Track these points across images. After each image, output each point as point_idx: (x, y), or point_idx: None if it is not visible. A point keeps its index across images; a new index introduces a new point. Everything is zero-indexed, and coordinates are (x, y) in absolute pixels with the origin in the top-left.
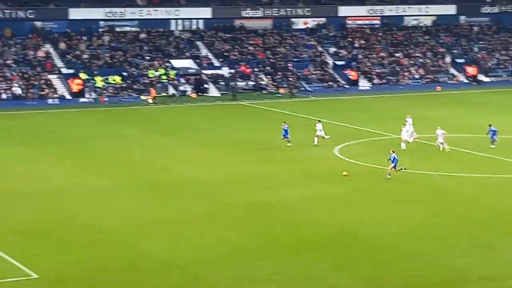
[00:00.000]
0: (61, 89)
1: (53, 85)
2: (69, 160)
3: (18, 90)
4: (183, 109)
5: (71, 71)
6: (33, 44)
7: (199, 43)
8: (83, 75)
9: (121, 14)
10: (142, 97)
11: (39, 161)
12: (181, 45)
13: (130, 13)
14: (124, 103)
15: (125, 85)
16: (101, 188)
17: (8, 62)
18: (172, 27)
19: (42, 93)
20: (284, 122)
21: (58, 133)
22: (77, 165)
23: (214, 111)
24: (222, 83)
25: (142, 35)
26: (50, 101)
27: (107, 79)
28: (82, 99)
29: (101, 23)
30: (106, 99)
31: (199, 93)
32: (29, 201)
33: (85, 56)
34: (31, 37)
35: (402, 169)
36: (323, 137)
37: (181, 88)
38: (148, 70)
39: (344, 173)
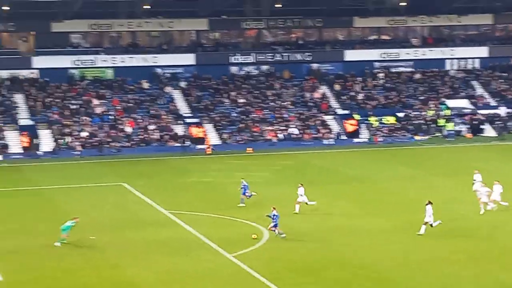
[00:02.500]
0: (336, 130)
1: (329, 125)
2: (344, 200)
3: (295, 131)
4: (458, 149)
5: (346, 111)
6: (309, 85)
7: (474, 82)
8: (357, 116)
9: (396, 55)
10: (416, 137)
11: (316, 200)
12: (455, 84)
13: (405, 53)
14: (398, 143)
15: (399, 125)
16: (377, 228)
17: (286, 103)
18: (447, 67)
19: (318, 134)
20: (243, 179)
21: (334, 173)
22: (353, 205)
23: (489, 152)
24: (499, 123)
25: (417, 75)
26: (325, 141)
27: (381, 119)
28: (356, 139)
29: (376, 64)
30: (380, 139)
31: (475, 133)
32: (305, 239)
33: (359, 96)
34: (308, 79)
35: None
36: None
37: (456, 128)
38: (427, 111)
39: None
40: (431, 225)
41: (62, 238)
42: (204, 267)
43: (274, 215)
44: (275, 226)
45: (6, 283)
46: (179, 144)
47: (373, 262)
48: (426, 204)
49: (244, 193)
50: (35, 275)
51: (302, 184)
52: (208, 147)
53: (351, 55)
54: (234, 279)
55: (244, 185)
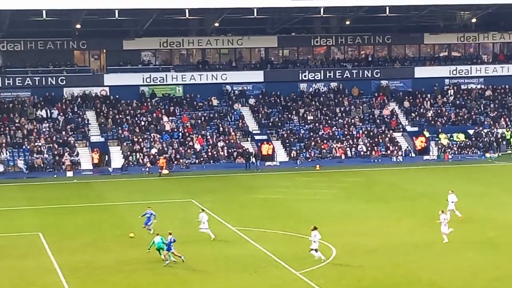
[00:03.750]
0: (406, 147)
1: (398, 142)
2: (413, 217)
3: (363, 148)
4: None
5: (415, 129)
6: (379, 102)
7: None
8: (427, 133)
9: (467, 72)
10: (487, 155)
11: (384, 217)
12: None
13: (476, 70)
14: (468, 160)
15: (469, 142)
16: (446, 245)
17: (355, 120)
18: None
19: (387, 151)
20: (149, 207)
21: (402, 190)
22: (421, 221)
23: None
24: None
25: (488, 92)
26: (394, 158)
27: (451, 136)
28: (426, 157)
29: (446, 80)
30: (450, 156)
31: None
32: (373, 256)
33: (429, 113)
34: (377, 95)
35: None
36: None
37: None
38: (505, 131)
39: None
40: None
41: (167, 256)
42: (272, 284)
43: (170, 241)
44: (169, 250)
45: None
46: (246, 161)
47: (442, 279)
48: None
49: (146, 223)
50: None
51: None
52: (163, 168)
53: (421, 72)
54: None
55: (150, 214)
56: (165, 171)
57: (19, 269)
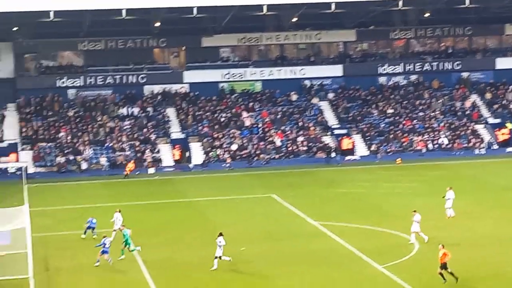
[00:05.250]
0: (488, 139)
1: (480, 135)
2: (495, 209)
3: (445, 141)
4: None
5: (497, 120)
6: (460, 95)
7: None
8: (509, 125)
9: None
10: None
11: (467, 211)
12: None
13: None
14: None
15: None
16: None
17: (435, 113)
18: None
19: (469, 143)
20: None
21: (484, 183)
22: (505, 215)
23: None
24: None
25: None
26: (476, 151)
27: None
28: (508, 149)
29: None
30: None
31: None
32: (457, 250)
33: (511, 105)
34: (457, 88)
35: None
36: None
37: None
38: None
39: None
40: None
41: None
42: (354, 278)
43: (104, 242)
44: (104, 252)
45: None
46: (327, 156)
47: None
48: None
49: (89, 228)
50: (186, 285)
51: None
52: (128, 170)
53: (502, 63)
54: None
55: (92, 222)
56: (128, 172)
57: (104, 264)
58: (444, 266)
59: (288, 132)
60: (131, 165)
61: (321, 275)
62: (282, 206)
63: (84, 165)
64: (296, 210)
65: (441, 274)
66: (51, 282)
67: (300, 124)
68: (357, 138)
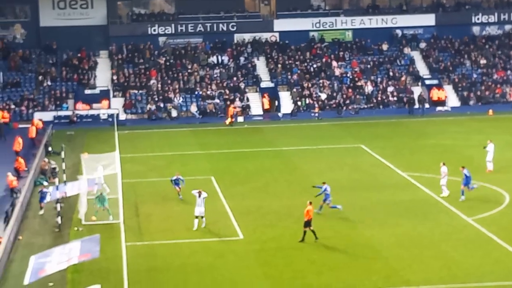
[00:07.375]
0: None
1: None
2: None
3: None
4: None
5: None
6: None
7: None
8: None
9: None
10: None
11: None
12: None
13: None
14: None
15: None
16: None
17: None
18: None
19: None
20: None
21: None
22: None
23: None
24: None
25: None
26: None
27: None
28: None
29: None
30: None
31: None
32: None
33: None
34: None
35: None
36: None
37: None
38: None
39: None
40: None
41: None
42: (443, 230)
43: (325, 189)
44: (325, 200)
45: (245, 241)
46: (417, 106)
47: None
48: None
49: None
50: (273, 234)
51: None
52: (230, 118)
53: None
54: (473, 243)
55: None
56: (228, 120)
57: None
58: (307, 224)
59: (378, 82)
60: (231, 110)
61: (408, 225)
62: (371, 157)
63: (174, 113)
64: (385, 160)
65: (305, 232)
66: (142, 228)
67: (391, 74)
68: (449, 89)
